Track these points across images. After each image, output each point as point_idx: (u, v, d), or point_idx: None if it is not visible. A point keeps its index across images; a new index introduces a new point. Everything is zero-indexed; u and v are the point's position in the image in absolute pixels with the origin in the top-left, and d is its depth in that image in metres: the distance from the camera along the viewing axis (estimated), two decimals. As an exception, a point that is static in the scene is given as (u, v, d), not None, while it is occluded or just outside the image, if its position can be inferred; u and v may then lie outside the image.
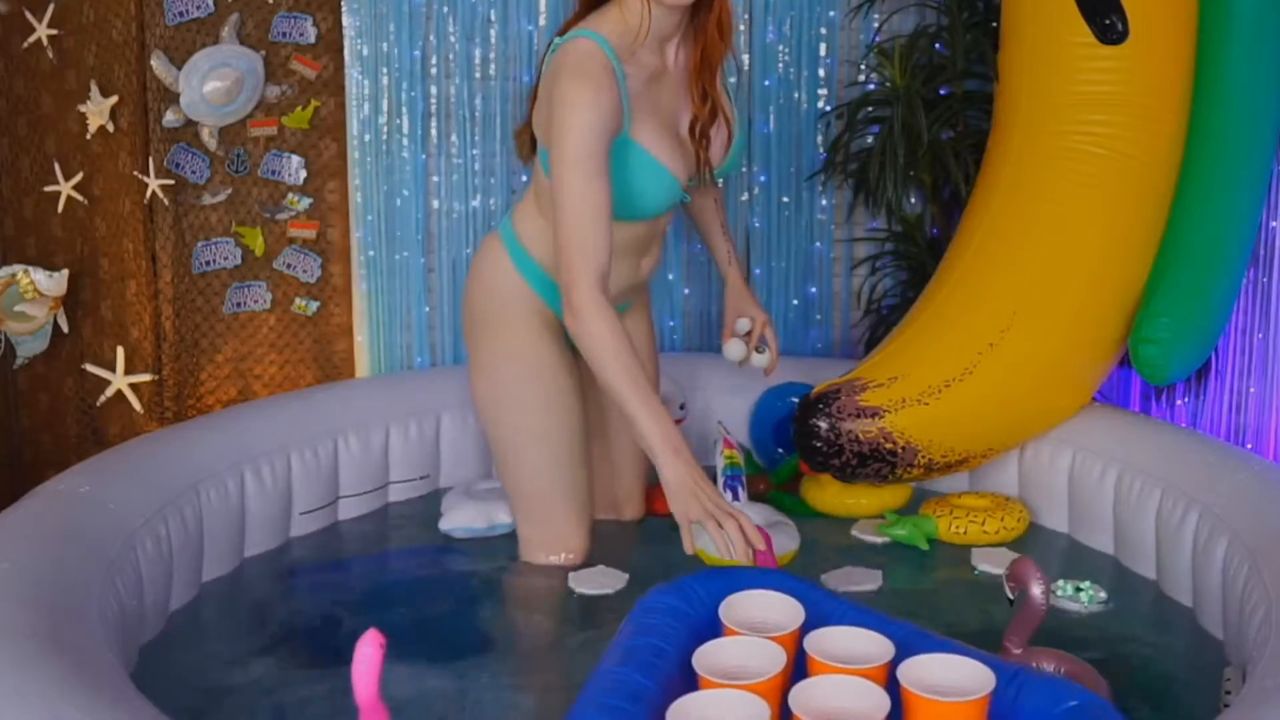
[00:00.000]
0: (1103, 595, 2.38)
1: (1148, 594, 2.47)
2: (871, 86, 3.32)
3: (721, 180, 2.81)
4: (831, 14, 3.35)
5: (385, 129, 3.18)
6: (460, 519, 2.75)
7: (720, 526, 2.10)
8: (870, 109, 3.25)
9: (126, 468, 2.41)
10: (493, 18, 3.20)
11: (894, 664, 1.64)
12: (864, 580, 2.45)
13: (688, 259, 3.39)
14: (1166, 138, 2.68)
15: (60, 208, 3.09)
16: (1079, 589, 2.39)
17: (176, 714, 1.69)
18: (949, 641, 1.76)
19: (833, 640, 1.71)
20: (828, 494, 2.81)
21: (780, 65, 3.37)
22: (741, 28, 3.32)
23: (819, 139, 3.40)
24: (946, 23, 3.18)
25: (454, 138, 3.23)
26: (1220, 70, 2.66)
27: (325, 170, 3.17)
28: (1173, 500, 2.45)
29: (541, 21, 3.22)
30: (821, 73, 3.38)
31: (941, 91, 3.20)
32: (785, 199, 3.42)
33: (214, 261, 3.13)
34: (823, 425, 2.62)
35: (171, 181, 3.06)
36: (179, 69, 3.01)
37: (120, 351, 3.11)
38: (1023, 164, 2.74)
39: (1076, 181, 2.66)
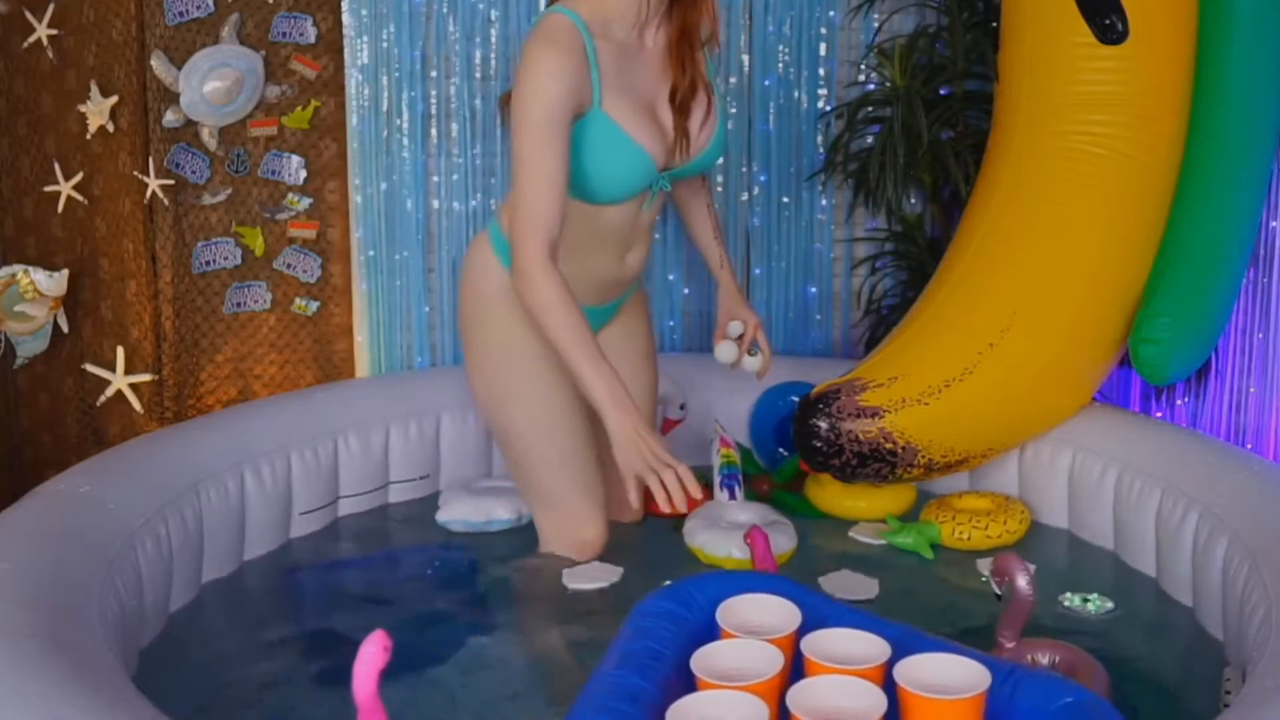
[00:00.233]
0: (1109, 605, 2.38)
1: (1147, 594, 2.47)
2: (871, 86, 3.32)
3: (707, 176, 2.81)
4: (831, 14, 3.35)
5: (385, 129, 3.19)
6: (459, 512, 2.76)
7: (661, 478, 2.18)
8: (870, 109, 3.25)
9: (126, 468, 2.41)
10: (493, 18, 3.20)
11: (890, 664, 1.65)
12: (860, 589, 2.43)
13: (688, 259, 3.39)
14: (1166, 138, 2.68)
15: (60, 208, 3.09)
16: (1086, 600, 2.38)
17: (176, 714, 1.68)
18: (944, 641, 1.77)
19: (829, 642, 1.71)
20: (832, 494, 2.81)
21: (780, 65, 3.37)
22: (742, 26, 3.32)
23: (819, 139, 3.40)
24: (946, 23, 3.18)
25: (454, 138, 3.23)
26: (1220, 70, 2.66)
27: (325, 170, 3.17)
28: (1173, 500, 2.45)
29: (541, 21, 3.22)
30: (821, 73, 3.38)
31: (941, 91, 3.20)
32: (785, 199, 3.42)
33: (214, 261, 3.13)
34: (823, 425, 2.62)
35: (171, 181, 3.06)
36: (179, 69, 3.01)
37: (120, 351, 3.11)
38: (1023, 164, 2.74)
39: (1076, 181, 2.66)
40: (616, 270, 2.54)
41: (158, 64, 3.00)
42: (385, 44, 3.15)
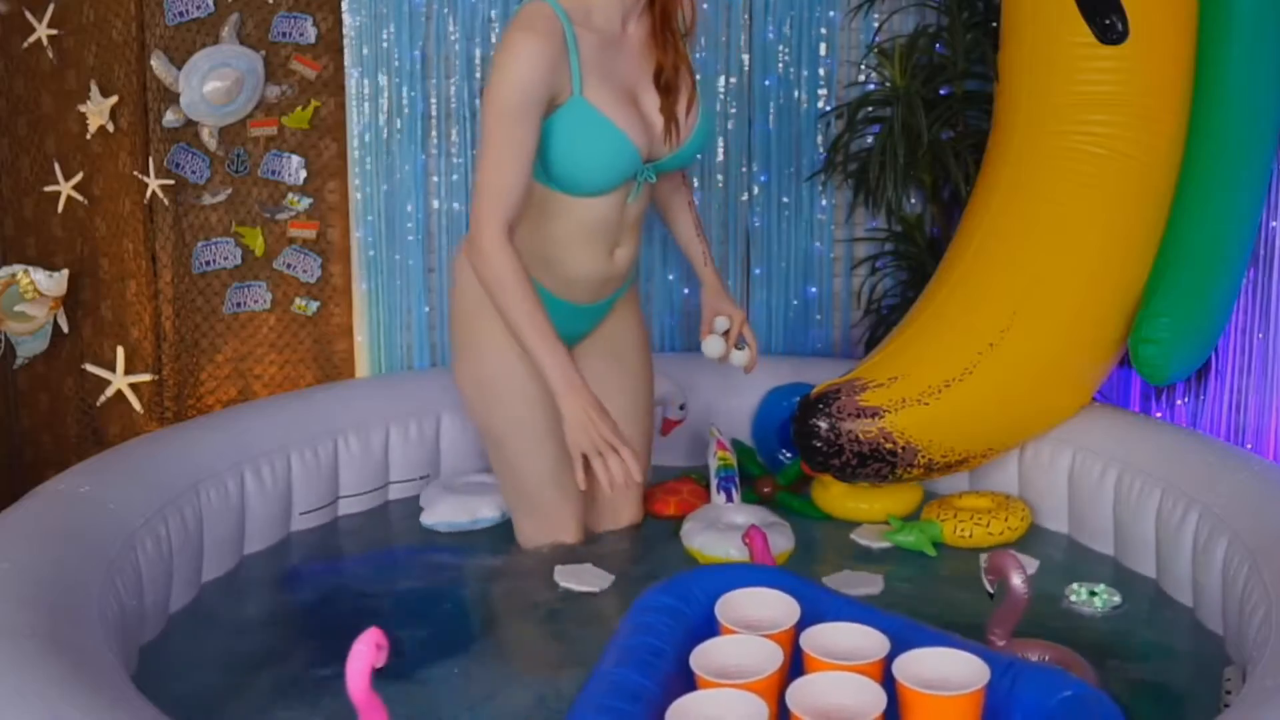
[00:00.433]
0: (1116, 599, 2.38)
1: (1148, 594, 2.47)
2: (871, 86, 3.32)
3: (689, 174, 2.82)
4: (831, 14, 3.35)
5: (385, 129, 3.18)
6: (443, 513, 2.76)
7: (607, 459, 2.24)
8: (870, 109, 3.25)
9: (126, 468, 2.41)
10: (493, 18, 3.20)
11: (889, 659, 1.65)
12: (864, 585, 2.44)
13: (686, 259, 3.39)
14: (1166, 138, 2.68)
15: (60, 208, 3.09)
16: (1093, 593, 2.39)
17: (176, 714, 1.68)
18: (943, 634, 1.77)
19: (828, 636, 1.71)
20: (835, 496, 2.81)
21: (780, 65, 3.37)
22: (742, 26, 3.32)
23: (819, 139, 3.40)
24: (946, 23, 3.18)
25: (454, 138, 3.23)
26: (1220, 70, 2.66)
27: (325, 170, 3.17)
28: (1173, 500, 2.45)
29: (541, 21, 3.22)
30: (821, 73, 3.38)
31: (941, 91, 3.20)
32: (785, 199, 3.42)
33: (214, 261, 3.13)
34: (823, 425, 2.62)
35: (171, 181, 3.06)
36: (179, 69, 3.01)
37: (120, 351, 3.11)
38: (1023, 164, 2.74)
39: (1076, 181, 2.66)
40: (606, 267, 2.54)
41: (158, 64, 3.00)
42: (385, 44, 3.15)
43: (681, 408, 3.04)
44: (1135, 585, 2.50)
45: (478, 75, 3.22)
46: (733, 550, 2.46)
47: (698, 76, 3.30)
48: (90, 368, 3.12)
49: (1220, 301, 2.70)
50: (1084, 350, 2.72)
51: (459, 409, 2.98)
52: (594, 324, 2.67)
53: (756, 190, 3.41)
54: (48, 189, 3.09)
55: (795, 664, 1.70)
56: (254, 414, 2.78)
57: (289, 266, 3.18)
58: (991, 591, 2.00)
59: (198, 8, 3.01)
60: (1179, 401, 3.05)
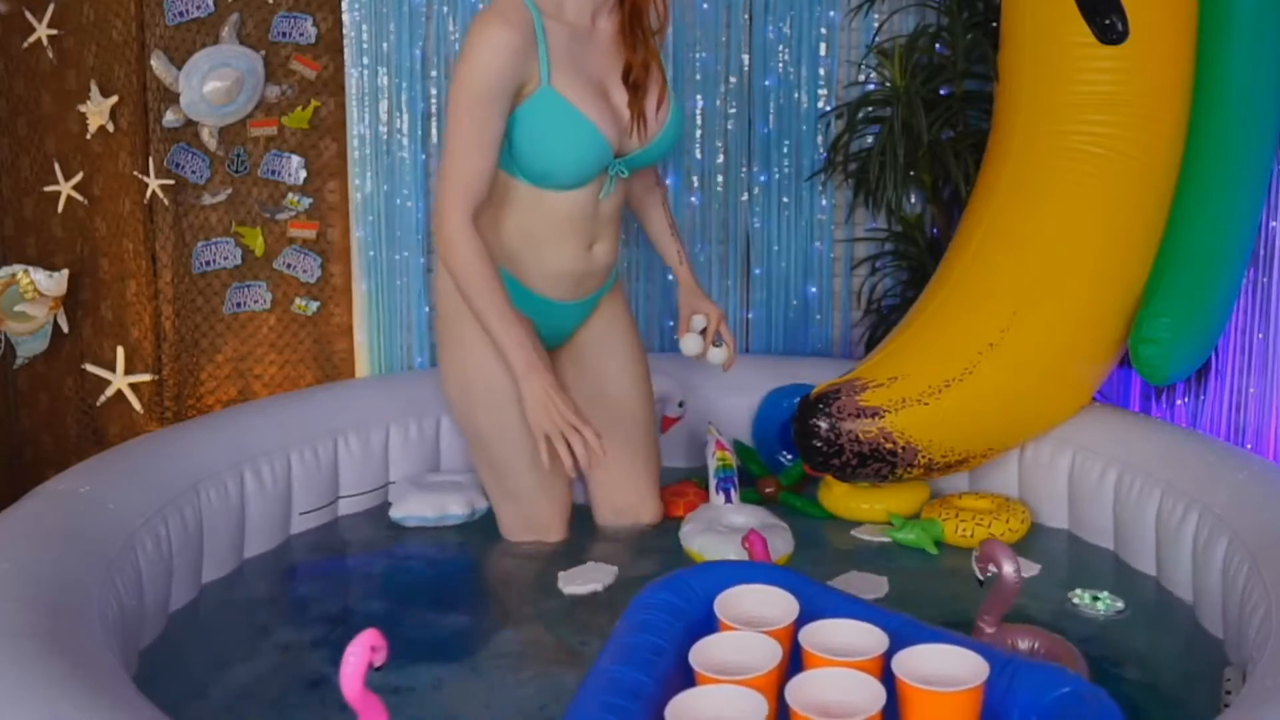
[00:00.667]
0: (1120, 605, 2.38)
1: (1148, 594, 2.46)
2: (871, 86, 3.32)
3: (664, 182, 2.83)
4: (831, 14, 3.35)
5: (385, 129, 3.18)
6: (411, 508, 2.77)
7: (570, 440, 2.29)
8: (870, 109, 3.25)
9: (126, 468, 2.41)
10: (493, 18, 3.20)
11: (888, 655, 1.65)
12: (870, 588, 2.44)
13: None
14: (1166, 138, 2.68)
15: (60, 208, 3.09)
16: (1096, 598, 2.38)
17: (176, 714, 1.68)
18: (942, 631, 1.77)
19: (827, 633, 1.71)
20: (838, 495, 2.81)
21: (780, 65, 3.37)
22: (742, 26, 3.32)
23: (819, 139, 3.40)
24: (946, 23, 3.18)
25: (454, 138, 3.23)
26: (1220, 70, 2.66)
27: (325, 170, 3.18)
28: (1173, 500, 2.45)
29: (541, 21, 3.22)
30: (821, 73, 3.38)
31: (941, 91, 3.20)
32: (785, 199, 3.42)
33: (214, 261, 3.13)
34: (823, 425, 2.62)
35: (171, 181, 3.06)
36: (179, 69, 3.01)
37: (120, 351, 3.11)
38: (1023, 164, 2.74)
39: (1076, 181, 2.66)
40: (584, 263, 2.56)
41: (158, 64, 3.00)
42: (385, 44, 3.15)
43: (680, 405, 3.04)
44: (1135, 585, 2.50)
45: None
46: (732, 553, 2.46)
47: (698, 77, 3.33)
48: (90, 368, 3.12)
49: (1220, 301, 2.70)
50: (1084, 350, 2.72)
51: (458, 409, 2.98)
52: (578, 321, 2.68)
53: (756, 190, 3.41)
54: (48, 189, 3.09)
55: (794, 661, 1.70)
56: (254, 414, 2.78)
57: (289, 266, 3.18)
58: (982, 579, 2.01)
59: (198, 8, 3.02)
60: (1179, 401, 3.05)
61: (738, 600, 1.81)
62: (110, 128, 3.05)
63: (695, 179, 3.38)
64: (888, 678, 1.61)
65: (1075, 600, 2.39)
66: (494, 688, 2.08)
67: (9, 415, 3.18)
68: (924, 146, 3.10)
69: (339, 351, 3.24)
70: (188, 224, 3.11)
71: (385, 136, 3.19)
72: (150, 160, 3.05)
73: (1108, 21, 2.63)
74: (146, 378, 3.13)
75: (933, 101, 3.16)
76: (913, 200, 3.35)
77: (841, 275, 3.47)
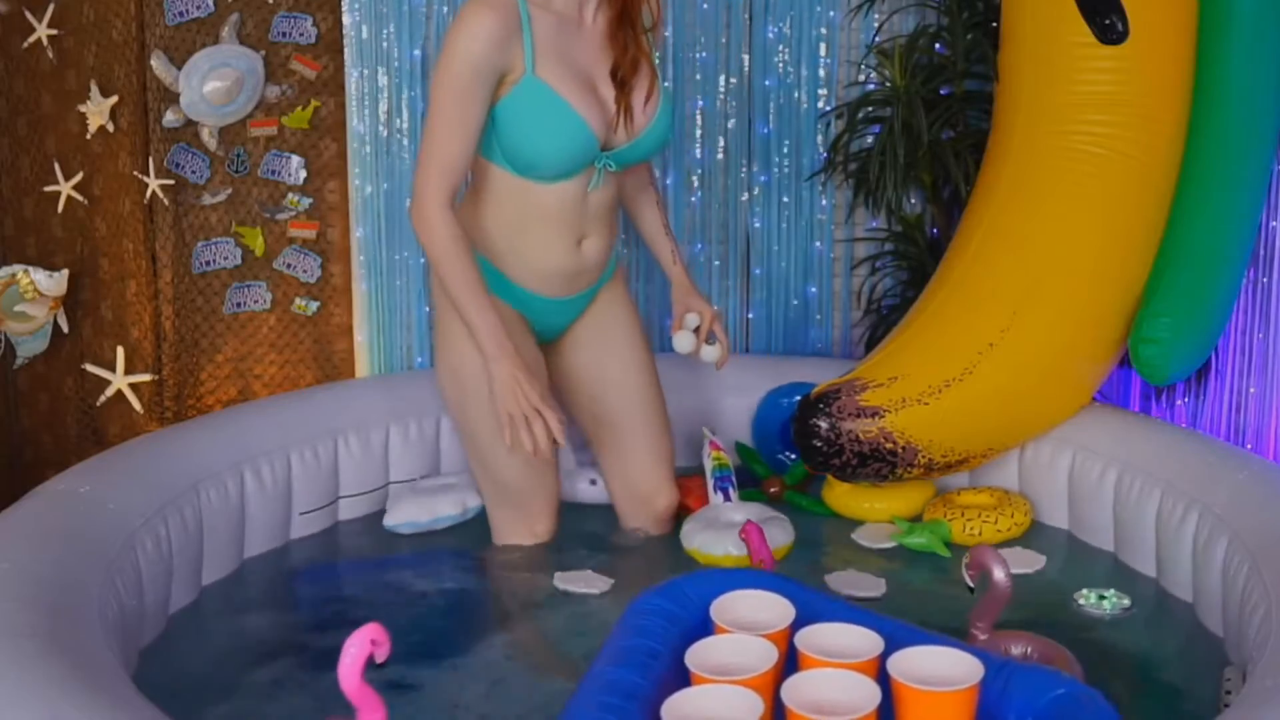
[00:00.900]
0: (1126, 602, 2.38)
1: (1148, 594, 2.47)
2: (871, 86, 3.32)
3: (655, 179, 2.83)
4: (831, 14, 3.35)
5: (385, 129, 3.18)
6: (403, 514, 2.76)
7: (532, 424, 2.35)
8: (870, 109, 3.25)
9: (126, 468, 2.41)
10: (493, 18, 3.20)
11: (884, 658, 1.65)
12: (867, 587, 2.44)
13: (688, 261, 3.39)
14: (1166, 138, 2.68)
15: (60, 208, 3.09)
16: (1102, 597, 2.38)
17: (176, 714, 1.68)
18: (938, 636, 1.77)
19: (823, 636, 1.71)
20: (845, 494, 2.81)
21: (780, 65, 3.37)
22: (742, 26, 3.32)
23: (819, 139, 3.40)
24: (946, 23, 3.18)
25: (454, 138, 3.23)
26: (1220, 70, 2.66)
27: (325, 170, 3.17)
28: (1173, 500, 2.45)
29: (541, 21, 3.22)
30: (821, 73, 3.37)
31: (941, 91, 3.20)
32: (785, 199, 3.42)
33: (214, 261, 3.13)
34: (823, 425, 2.62)
35: (171, 181, 3.06)
36: (179, 69, 3.01)
37: (120, 351, 3.11)
38: (1023, 164, 2.74)
39: (1076, 181, 2.66)
40: (574, 260, 2.56)
41: (158, 64, 3.00)
42: (385, 44, 3.15)
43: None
44: (1135, 585, 2.50)
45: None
46: (731, 548, 2.47)
47: (698, 77, 3.33)
48: (90, 368, 3.12)
49: (1220, 301, 2.70)
50: (1084, 350, 2.72)
51: (459, 409, 2.98)
52: (571, 318, 2.68)
53: (756, 190, 3.41)
54: (48, 189, 3.09)
55: (790, 664, 1.70)
56: (254, 414, 2.78)
57: (289, 266, 3.18)
58: (972, 586, 2.01)
59: (198, 8, 3.02)
60: (1179, 401, 3.05)
61: (733, 605, 1.81)
62: (110, 128, 3.05)
63: (695, 179, 3.38)
64: (883, 680, 1.62)
65: (1081, 601, 2.39)
66: (492, 687, 2.09)
67: (9, 415, 3.18)
68: (924, 146, 3.10)
69: (339, 351, 3.24)
70: (188, 224, 3.11)
71: (385, 136, 3.19)
72: (150, 160, 3.05)
73: (1108, 21, 2.63)
74: (146, 378, 3.13)
75: (933, 101, 3.16)
76: (913, 200, 3.35)
77: (841, 275, 3.47)
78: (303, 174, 3.15)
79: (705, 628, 1.80)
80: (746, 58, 3.36)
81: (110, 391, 3.11)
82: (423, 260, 3.24)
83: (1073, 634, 2.20)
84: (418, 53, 3.17)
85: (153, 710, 1.64)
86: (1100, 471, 2.66)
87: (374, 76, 3.16)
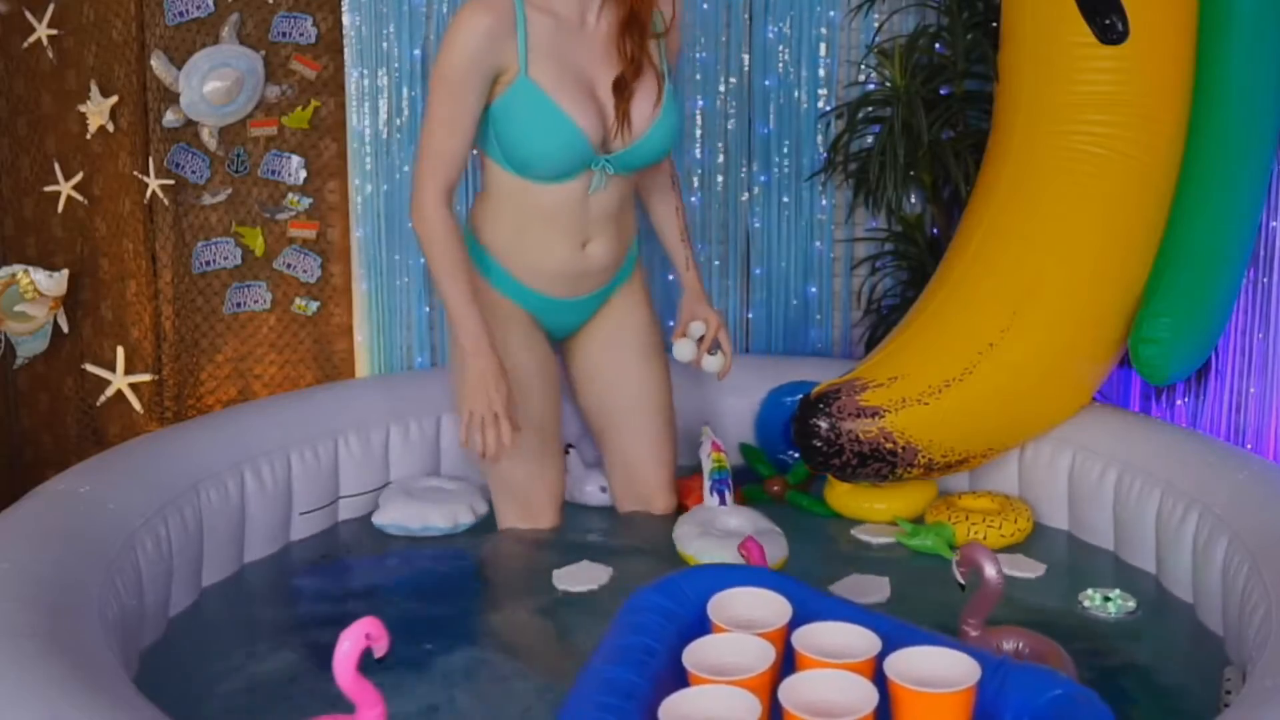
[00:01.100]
0: (1131, 604, 2.37)
1: (1148, 594, 2.46)
2: (871, 86, 3.32)
3: (678, 179, 2.84)
4: (831, 14, 3.35)
5: (385, 129, 3.18)
6: (394, 515, 2.75)
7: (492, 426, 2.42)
8: (870, 109, 3.25)
9: (126, 468, 2.41)
10: (493, 18, 3.19)
11: (881, 658, 1.65)
12: (872, 591, 2.43)
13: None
14: (1166, 138, 2.68)
15: (60, 208, 3.09)
16: (1108, 599, 2.38)
17: (176, 715, 1.68)
18: (935, 635, 1.77)
19: (820, 635, 1.71)
20: (848, 494, 2.81)
21: (780, 65, 3.37)
22: (742, 26, 3.32)
23: (819, 139, 3.40)
24: (946, 23, 3.18)
25: (454, 138, 3.23)
26: (1220, 70, 2.66)
27: (325, 170, 3.18)
28: (1173, 500, 2.45)
29: (541, 21, 3.21)
30: (821, 73, 3.37)
31: (941, 91, 3.20)
32: (785, 199, 3.42)
33: (214, 261, 3.13)
34: (823, 425, 2.62)
35: (171, 181, 3.06)
36: (179, 69, 3.01)
37: (120, 351, 3.11)
38: (1023, 164, 2.74)
39: (1076, 182, 2.66)
40: (579, 262, 2.57)
41: (158, 64, 3.00)
42: (385, 44, 3.15)
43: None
44: (1135, 585, 2.49)
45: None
46: (728, 559, 2.45)
47: (698, 77, 3.33)
48: (90, 368, 3.12)
49: (1220, 301, 2.70)
50: (1084, 350, 2.72)
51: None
52: (584, 318, 2.69)
53: (756, 190, 3.41)
54: (48, 189, 3.09)
55: (787, 663, 1.70)
56: (254, 414, 2.78)
57: (289, 266, 3.18)
58: (963, 584, 2.01)
59: (198, 8, 3.02)
60: (1179, 401, 3.05)
61: (731, 603, 1.81)
62: (110, 128, 3.05)
63: (695, 179, 3.37)
64: (880, 680, 1.62)
65: (1086, 602, 2.39)
66: (491, 686, 2.09)
67: (9, 415, 3.18)
68: (924, 146, 3.10)
69: (339, 351, 3.24)
70: (188, 224, 3.11)
71: (385, 136, 3.19)
72: (150, 160, 3.05)
73: (1108, 21, 2.63)
74: (146, 378, 3.13)
75: (933, 101, 3.16)
76: (913, 200, 3.35)
77: (841, 275, 3.47)
78: (303, 174, 3.15)
79: (702, 625, 1.80)
80: (746, 58, 3.36)
81: (110, 391, 3.12)
82: (423, 260, 3.24)
83: (1073, 634, 2.20)
84: (418, 53, 3.17)
85: (153, 710, 1.65)
86: (1100, 472, 2.66)
87: (374, 76, 3.16)
